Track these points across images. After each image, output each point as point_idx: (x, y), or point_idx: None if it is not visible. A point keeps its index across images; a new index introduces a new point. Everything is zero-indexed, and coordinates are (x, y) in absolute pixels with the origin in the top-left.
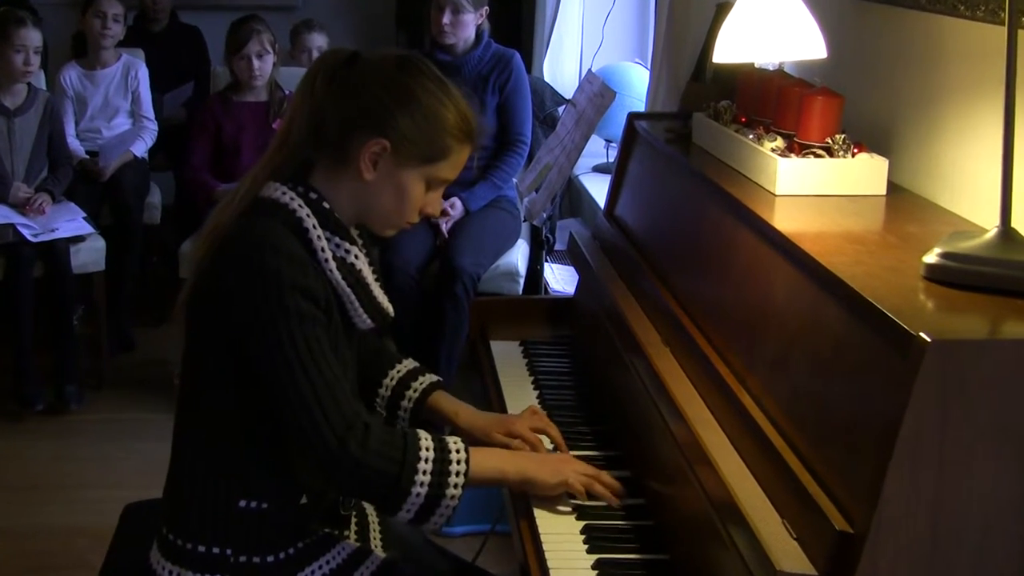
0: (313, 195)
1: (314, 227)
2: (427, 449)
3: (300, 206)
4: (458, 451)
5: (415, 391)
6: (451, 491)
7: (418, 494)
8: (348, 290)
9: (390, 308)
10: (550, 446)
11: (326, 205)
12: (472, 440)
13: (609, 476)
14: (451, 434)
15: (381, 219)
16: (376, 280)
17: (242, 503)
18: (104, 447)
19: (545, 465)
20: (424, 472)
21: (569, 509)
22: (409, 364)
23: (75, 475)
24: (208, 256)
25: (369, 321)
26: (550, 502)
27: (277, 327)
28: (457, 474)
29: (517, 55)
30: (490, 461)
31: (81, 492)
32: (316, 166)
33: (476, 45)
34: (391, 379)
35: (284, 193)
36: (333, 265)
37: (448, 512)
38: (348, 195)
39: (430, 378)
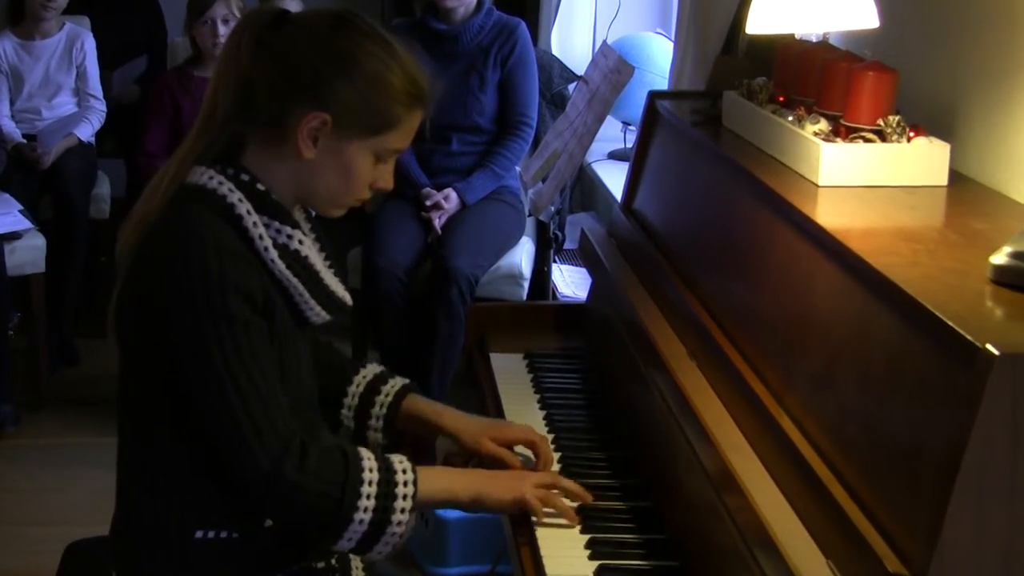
0: (245, 177)
1: (248, 213)
2: (370, 470)
3: (231, 190)
4: (404, 471)
5: (387, 395)
6: (397, 516)
7: (361, 520)
8: (295, 281)
9: (347, 296)
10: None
11: (260, 187)
12: (460, 447)
13: (571, 483)
14: (432, 441)
15: (326, 199)
16: (329, 265)
17: (199, 533)
18: (43, 476)
19: (498, 481)
20: (368, 496)
21: (580, 547)
22: (374, 368)
23: (9, 510)
24: (133, 254)
25: (324, 313)
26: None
27: (205, 332)
28: (404, 497)
29: (522, 24)
30: (439, 481)
31: (16, 529)
32: (248, 144)
33: (476, 12)
34: (357, 386)
35: (212, 177)
36: (275, 254)
37: (394, 540)
38: (286, 175)
39: (400, 381)
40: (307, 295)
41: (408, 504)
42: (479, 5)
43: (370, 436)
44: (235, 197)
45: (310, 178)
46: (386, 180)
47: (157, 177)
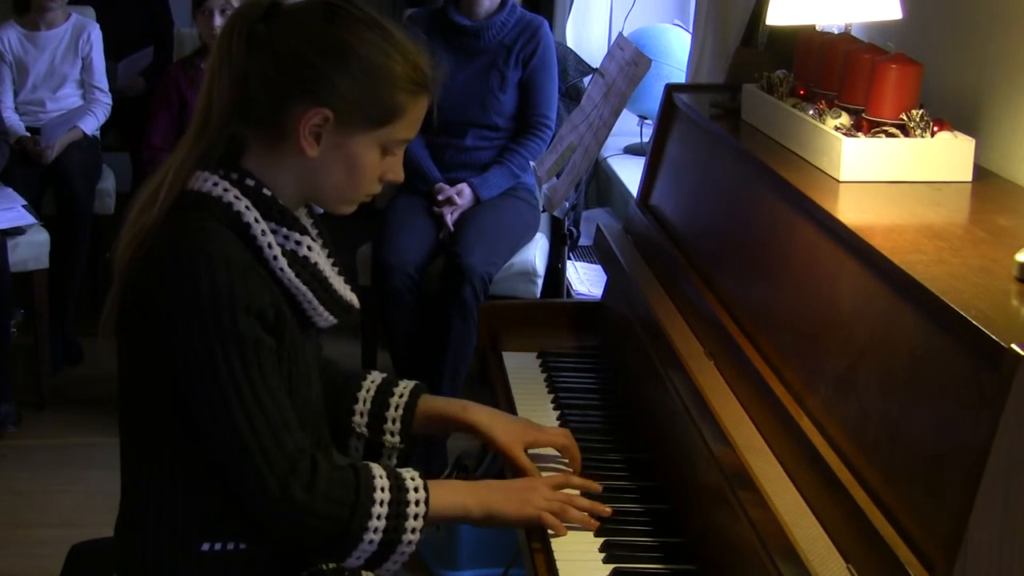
0: (250, 181)
1: (256, 221)
2: (382, 489)
3: (237, 197)
4: (416, 489)
5: (401, 396)
6: (408, 536)
7: (371, 541)
8: (304, 288)
9: (354, 299)
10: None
11: (267, 192)
12: (490, 445)
13: (579, 479)
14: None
15: (334, 197)
16: (335, 268)
17: (205, 546)
18: (46, 477)
19: (511, 495)
20: (379, 516)
21: (595, 550)
22: (379, 374)
23: (11, 511)
24: (132, 265)
25: (331, 317)
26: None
27: (213, 353)
28: (416, 517)
29: (546, 24)
30: (451, 496)
31: (18, 532)
32: (248, 146)
33: (501, 8)
34: (367, 391)
35: (216, 184)
36: (284, 262)
37: (403, 559)
38: (291, 176)
39: (411, 382)
40: (315, 302)
41: (419, 524)
42: (503, 2)
43: (387, 442)
44: (242, 204)
45: (315, 176)
46: (395, 172)
47: (154, 182)
